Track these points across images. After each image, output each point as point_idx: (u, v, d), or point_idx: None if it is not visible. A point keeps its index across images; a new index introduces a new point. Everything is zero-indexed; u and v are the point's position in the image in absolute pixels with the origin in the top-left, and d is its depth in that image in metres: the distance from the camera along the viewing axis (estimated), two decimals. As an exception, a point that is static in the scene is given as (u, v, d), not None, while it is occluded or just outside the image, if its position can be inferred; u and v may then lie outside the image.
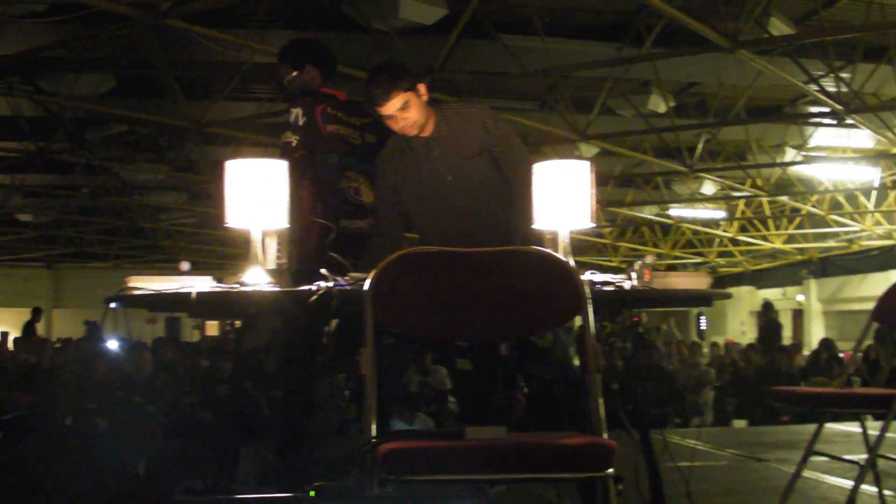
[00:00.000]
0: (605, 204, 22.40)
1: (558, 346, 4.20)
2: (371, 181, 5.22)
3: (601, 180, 20.94)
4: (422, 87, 4.73)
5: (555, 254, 3.41)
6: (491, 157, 4.80)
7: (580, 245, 28.32)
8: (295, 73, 5.50)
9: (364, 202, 5.32)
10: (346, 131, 5.41)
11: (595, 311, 3.21)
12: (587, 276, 3.62)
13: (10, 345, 20.45)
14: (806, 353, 19.38)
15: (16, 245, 28.66)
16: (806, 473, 4.80)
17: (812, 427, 4.75)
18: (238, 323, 4.71)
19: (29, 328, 21.50)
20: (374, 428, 2.95)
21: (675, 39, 13.03)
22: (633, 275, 3.79)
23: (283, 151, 5.27)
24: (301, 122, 5.28)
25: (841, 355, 15.72)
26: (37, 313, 22.05)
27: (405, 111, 4.66)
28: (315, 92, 5.44)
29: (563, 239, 3.88)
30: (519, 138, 4.96)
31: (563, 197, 3.88)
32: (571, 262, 3.52)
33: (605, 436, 2.97)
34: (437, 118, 4.82)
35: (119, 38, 12.04)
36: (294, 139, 5.25)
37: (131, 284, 3.72)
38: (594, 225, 3.87)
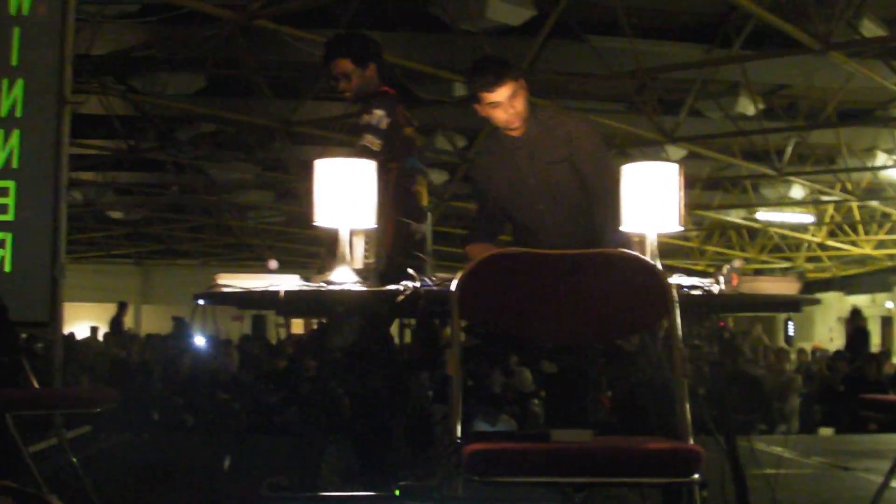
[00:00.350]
0: (691, 207, 22.20)
1: (647, 350, 4.17)
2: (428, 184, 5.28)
3: (688, 183, 20.66)
4: (525, 83, 4.73)
5: (643, 257, 3.39)
6: (572, 167, 4.80)
7: (667, 248, 28.07)
8: (356, 70, 5.38)
9: (423, 206, 5.35)
10: (414, 133, 5.45)
11: (682, 315, 3.19)
12: (675, 279, 3.60)
13: (100, 339, 20.77)
14: (895, 361, 19.06)
15: (106, 241, 29.10)
16: (894, 483, 4.72)
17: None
18: (320, 322, 4.74)
19: (116, 323, 21.85)
20: (458, 428, 2.96)
21: (765, 41, 12.90)
22: (721, 279, 3.76)
23: (362, 155, 5.21)
24: (384, 125, 5.25)
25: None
26: (122, 307, 22.38)
27: (514, 100, 4.68)
28: (388, 92, 5.43)
29: (651, 242, 3.85)
30: (605, 151, 4.96)
31: (651, 200, 3.85)
32: (659, 266, 3.50)
33: (691, 441, 2.95)
34: (531, 121, 4.81)
35: (210, 39, 12.18)
36: (377, 143, 5.22)
37: (220, 281, 3.75)
38: (682, 228, 3.84)
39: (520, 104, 4.71)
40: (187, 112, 15.78)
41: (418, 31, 13.24)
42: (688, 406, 3.02)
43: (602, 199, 4.61)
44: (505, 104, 4.68)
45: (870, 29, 11.94)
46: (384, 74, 5.50)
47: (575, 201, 4.83)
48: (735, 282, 3.76)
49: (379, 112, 5.22)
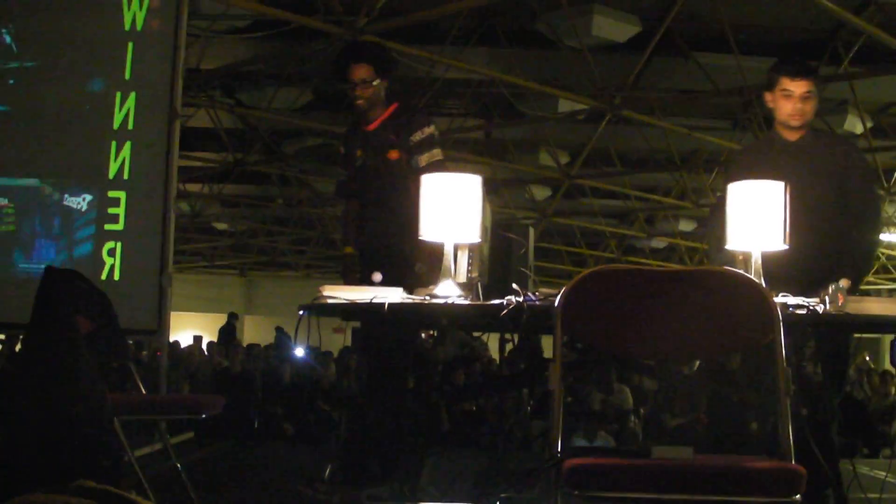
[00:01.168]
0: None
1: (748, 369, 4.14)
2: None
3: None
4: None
5: (747, 274, 3.38)
6: (840, 182, 4.83)
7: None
8: (376, 79, 5.37)
9: None
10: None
11: (786, 335, 3.17)
12: (780, 298, 3.57)
13: (205, 348, 21.09)
14: None
15: (211, 252, 29.54)
16: None
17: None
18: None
19: (226, 332, 22.12)
20: (559, 443, 2.97)
21: (874, 58, 12.71)
22: (827, 299, 3.72)
23: (438, 169, 5.13)
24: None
25: None
26: (232, 318, 22.68)
27: (808, 100, 4.83)
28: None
29: (756, 260, 3.83)
30: (874, 179, 5.04)
31: (756, 217, 3.83)
32: (763, 284, 3.48)
33: (793, 461, 2.93)
34: (809, 130, 4.92)
35: (317, 54, 12.33)
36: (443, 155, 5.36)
37: (325, 293, 3.81)
38: (786, 246, 3.81)
39: (811, 107, 4.81)
40: (293, 125, 15.98)
41: (524, 48, 13.27)
42: (790, 426, 3.00)
43: (865, 220, 4.77)
44: (799, 98, 4.78)
45: (984, 45, 11.72)
46: (392, 91, 5.59)
47: (826, 215, 4.82)
48: (841, 301, 3.72)
49: (433, 125, 5.40)
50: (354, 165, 5.45)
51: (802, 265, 4.26)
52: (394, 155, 5.31)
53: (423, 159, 5.27)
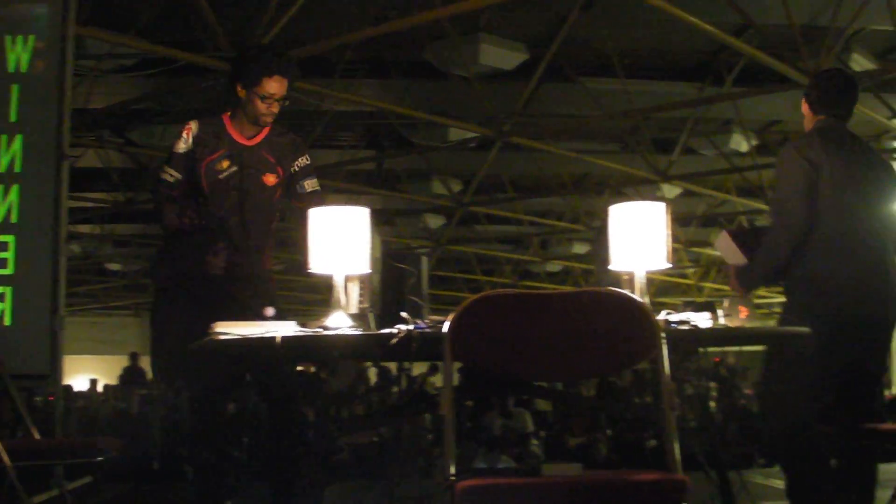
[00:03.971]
0: (688, 244, 22.27)
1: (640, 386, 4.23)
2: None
3: (684, 221, 20.84)
4: None
5: (629, 293, 3.46)
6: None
7: (664, 286, 28.14)
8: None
9: None
10: None
11: (670, 351, 3.25)
12: (662, 315, 3.66)
13: (100, 391, 20.79)
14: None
15: (105, 293, 29.14)
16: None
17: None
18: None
19: (130, 373, 21.78)
20: (452, 466, 3.01)
21: (756, 78, 13.03)
22: (720, 313, 3.82)
23: (320, 198, 5.12)
24: None
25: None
26: (134, 358, 22.34)
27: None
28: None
29: (640, 279, 3.92)
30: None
31: (639, 238, 3.92)
32: (647, 302, 3.56)
33: (680, 473, 3.00)
34: None
35: (205, 90, 12.30)
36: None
37: (217, 329, 3.81)
38: (670, 265, 3.91)
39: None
40: (184, 163, 15.87)
41: (413, 78, 13.37)
42: (676, 438, 3.07)
43: None
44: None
45: (859, 62, 12.08)
46: None
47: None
48: (744, 315, 3.83)
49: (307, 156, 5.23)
50: (215, 175, 5.03)
51: None
52: (271, 179, 5.07)
53: (308, 185, 5.13)
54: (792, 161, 4.90)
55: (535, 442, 12.21)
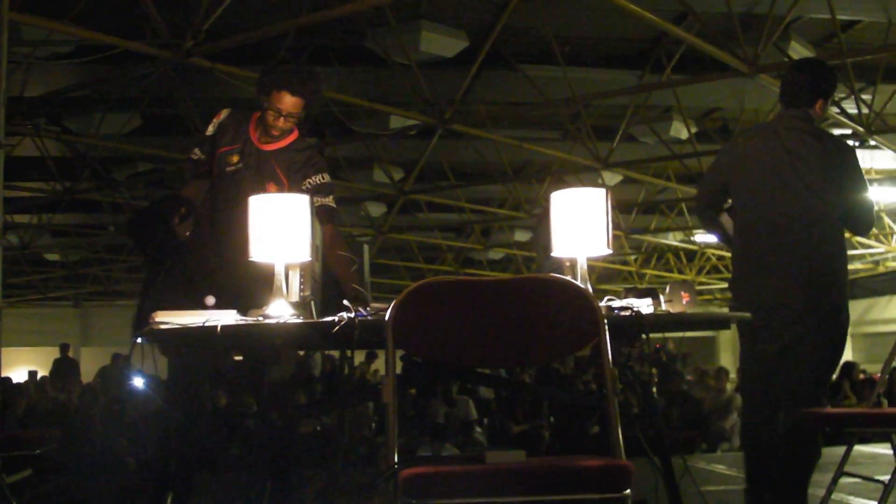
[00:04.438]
0: (629, 231, 22.39)
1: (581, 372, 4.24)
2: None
3: (625, 208, 20.96)
4: None
5: (571, 280, 3.46)
6: None
7: (606, 272, 28.30)
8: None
9: None
10: None
11: (613, 337, 3.26)
12: (604, 301, 3.67)
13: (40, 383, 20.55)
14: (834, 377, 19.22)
15: (44, 284, 28.84)
16: (835, 496, 4.80)
17: (841, 449, 4.74)
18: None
19: (63, 364, 21.55)
20: (395, 454, 3.00)
21: (696, 66, 13.10)
22: (662, 299, 3.83)
23: (330, 213, 5.03)
24: None
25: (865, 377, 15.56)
26: (64, 349, 22.09)
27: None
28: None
29: (581, 266, 3.92)
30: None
31: (580, 225, 3.92)
32: (589, 288, 3.57)
33: (623, 458, 3.01)
34: None
35: (144, 78, 12.18)
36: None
37: (158, 319, 3.77)
38: (610, 251, 3.92)
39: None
40: (123, 152, 15.73)
41: (354, 66, 13.32)
42: (619, 424, 3.08)
43: None
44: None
45: (797, 50, 12.19)
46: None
47: None
48: (686, 299, 3.84)
49: (328, 175, 5.17)
50: (223, 166, 5.09)
51: None
52: (272, 189, 4.98)
53: (317, 201, 4.90)
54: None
55: (478, 429, 12.25)
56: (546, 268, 4.14)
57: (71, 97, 13.47)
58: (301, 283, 3.90)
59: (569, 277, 3.63)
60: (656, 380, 14.55)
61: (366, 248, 5.00)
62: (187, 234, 4.87)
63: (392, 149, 16.88)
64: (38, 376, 21.53)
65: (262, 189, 4.96)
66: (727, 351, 32.68)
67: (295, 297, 3.84)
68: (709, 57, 11.34)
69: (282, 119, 4.95)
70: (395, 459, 2.98)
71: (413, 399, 11.63)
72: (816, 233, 4.96)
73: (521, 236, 23.50)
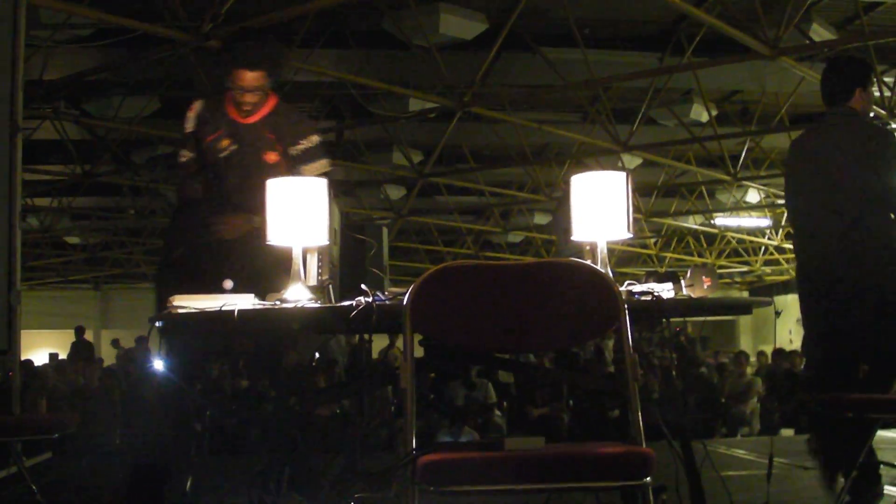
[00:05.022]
0: (648, 214, 22.33)
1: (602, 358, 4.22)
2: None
3: (645, 191, 20.89)
4: None
5: (591, 264, 3.42)
6: None
7: (626, 256, 28.25)
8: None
9: None
10: None
11: (633, 322, 3.22)
12: (625, 286, 3.64)
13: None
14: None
15: (63, 267, 28.93)
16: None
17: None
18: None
19: (79, 348, 21.62)
20: (413, 440, 2.98)
21: (717, 48, 13.02)
22: (683, 283, 3.79)
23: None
24: None
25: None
26: (80, 332, 22.13)
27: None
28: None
29: (602, 250, 3.89)
30: None
31: (600, 208, 3.89)
32: (609, 273, 3.53)
33: (644, 445, 2.97)
34: None
35: (163, 61, 12.17)
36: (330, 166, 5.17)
37: (176, 303, 3.75)
38: (631, 235, 3.88)
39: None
40: (142, 135, 15.74)
41: (373, 49, 13.29)
42: (639, 410, 3.04)
43: None
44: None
45: (819, 33, 12.10)
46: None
47: None
48: (707, 283, 3.81)
49: (316, 136, 5.14)
50: (215, 154, 5.05)
51: None
52: (272, 157, 4.99)
53: (310, 170, 4.96)
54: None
55: (497, 413, 12.23)
56: (566, 251, 4.11)
57: (90, 80, 13.46)
58: (319, 267, 3.87)
59: (589, 262, 3.60)
60: (675, 363, 14.51)
61: (384, 230, 4.97)
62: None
63: (411, 132, 16.86)
64: (59, 358, 21.61)
65: (261, 161, 4.99)
66: (746, 334, 32.61)
67: (313, 281, 3.81)
68: (730, 39, 11.26)
69: (248, 94, 4.92)
70: (413, 445, 2.95)
71: (432, 382, 11.62)
72: (871, 219, 4.99)
73: (541, 219, 23.48)
